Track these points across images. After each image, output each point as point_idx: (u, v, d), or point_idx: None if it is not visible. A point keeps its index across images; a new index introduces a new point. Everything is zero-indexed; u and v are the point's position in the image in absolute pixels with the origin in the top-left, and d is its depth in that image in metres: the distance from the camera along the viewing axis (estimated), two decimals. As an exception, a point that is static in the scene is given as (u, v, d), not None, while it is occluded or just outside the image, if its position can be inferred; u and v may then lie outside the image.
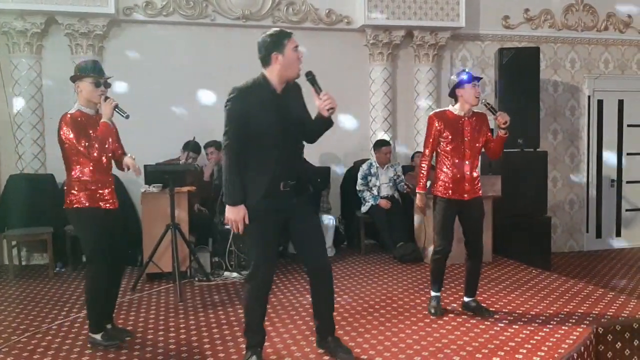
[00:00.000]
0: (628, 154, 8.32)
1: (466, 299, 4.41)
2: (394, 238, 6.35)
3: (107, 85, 3.82)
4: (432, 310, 4.35)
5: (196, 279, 5.47)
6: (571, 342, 3.69)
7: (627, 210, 8.39)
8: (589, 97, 8.13)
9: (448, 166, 4.26)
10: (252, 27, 6.81)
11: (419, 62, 7.42)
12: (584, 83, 8.10)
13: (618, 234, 8.39)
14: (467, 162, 4.25)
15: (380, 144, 6.70)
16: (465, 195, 4.25)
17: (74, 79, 3.76)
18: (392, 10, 7.05)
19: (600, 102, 8.21)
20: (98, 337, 3.74)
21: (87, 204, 3.68)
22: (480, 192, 4.34)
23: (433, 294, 4.44)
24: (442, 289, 4.54)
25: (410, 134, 7.47)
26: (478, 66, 7.70)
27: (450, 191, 4.25)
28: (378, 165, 6.65)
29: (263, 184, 3.20)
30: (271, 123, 3.19)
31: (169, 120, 6.70)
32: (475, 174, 4.29)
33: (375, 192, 6.59)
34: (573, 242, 8.22)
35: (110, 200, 3.79)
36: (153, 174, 5.30)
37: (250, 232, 3.26)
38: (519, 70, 6.86)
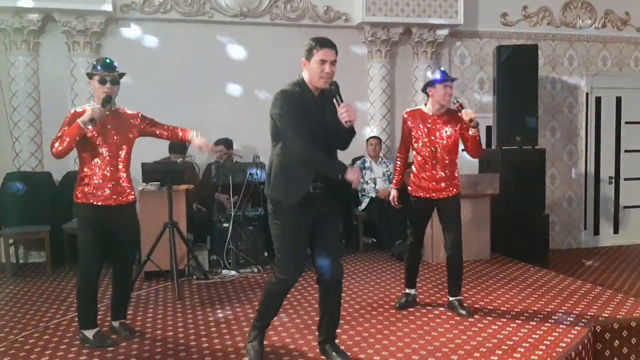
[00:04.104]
0: (626, 151, 8.32)
1: (450, 298, 4.39)
2: (392, 236, 6.34)
3: (115, 83, 3.80)
4: (397, 305, 4.42)
5: (194, 277, 5.46)
6: (569, 340, 3.69)
7: (625, 207, 8.39)
8: (587, 94, 8.12)
9: (419, 164, 4.30)
10: (250, 24, 6.79)
11: (417, 59, 7.40)
12: (582, 80, 8.09)
13: (616, 231, 8.39)
14: (434, 162, 4.23)
15: (368, 138, 6.89)
16: (434, 195, 4.25)
17: (90, 76, 3.83)
18: (391, 8, 7.04)
19: (598, 100, 8.20)
20: (90, 334, 3.75)
21: (81, 200, 3.72)
22: (454, 190, 4.29)
23: (406, 290, 4.51)
24: (417, 287, 4.60)
25: (408, 132, 7.46)
26: (476, 63, 7.70)
27: (420, 190, 4.29)
28: (371, 159, 6.79)
29: (295, 182, 3.23)
30: (308, 123, 3.18)
31: (166, 119, 6.63)
32: (445, 173, 4.23)
33: (372, 184, 6.71)
34: (571, 240, 8.23)
35: (111, 197, 3.76)
36: (150, 172, 5.28)
37: (283, 227, 3.25)
38: (517, 68, 6.85)
